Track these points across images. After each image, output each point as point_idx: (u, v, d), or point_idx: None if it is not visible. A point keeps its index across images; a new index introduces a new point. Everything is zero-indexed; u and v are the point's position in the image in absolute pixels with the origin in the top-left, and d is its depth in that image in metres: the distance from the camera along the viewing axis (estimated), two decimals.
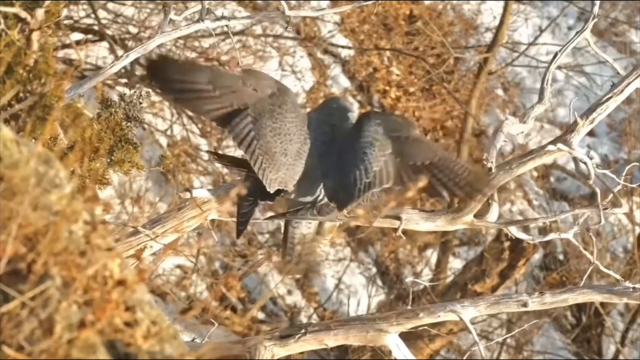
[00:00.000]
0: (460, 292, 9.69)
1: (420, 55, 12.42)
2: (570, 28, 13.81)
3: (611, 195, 4.23)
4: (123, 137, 3.96)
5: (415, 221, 4.30)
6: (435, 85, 12.85)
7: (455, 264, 11.65)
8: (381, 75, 12.89)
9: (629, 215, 11.52)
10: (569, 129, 4.23)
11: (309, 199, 4.06)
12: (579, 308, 11.18)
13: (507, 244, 9.41)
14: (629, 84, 4.25)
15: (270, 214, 4.27)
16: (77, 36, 10.87)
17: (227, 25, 4.39)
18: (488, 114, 13.13)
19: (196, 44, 11.17)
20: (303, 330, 4.19)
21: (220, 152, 10.50)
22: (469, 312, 4.22)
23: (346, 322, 4.25)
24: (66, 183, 2.14)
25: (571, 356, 11.41)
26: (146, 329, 2.06)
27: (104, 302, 2.01)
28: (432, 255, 11.96)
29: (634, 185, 4.48)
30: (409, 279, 11.36)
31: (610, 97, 4.25)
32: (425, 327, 4.32)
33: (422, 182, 3.83)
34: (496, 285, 9.58)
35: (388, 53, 12.85)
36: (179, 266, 10.76)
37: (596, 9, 4.33)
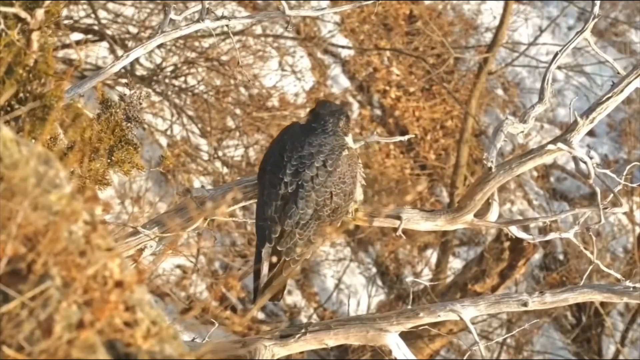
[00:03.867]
0: (460, 292, 9.68)
1: (420, 55, 12.42)
2: (570, 28, 13.81)
3: (611, 195, 4.22)
4: (123, 138, 3.95)
5: (416, 221, 4.29)
6: (435, 85, 12.86)
7: (455, 264, 11.64)
8: (381, 75, 12.89)
9: (629, 215, 11.53)
10: (569, 128, 4.22)
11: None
12: (579, 308, 11.18)
13: (507, 244, 9.40)
14: (628, 83, 4.24)
15: None
16: (77, 36, 10.87)
17: (227, 25, 4.39)
18: (488, 114, 13.12)
19: (196, 44, 11.17)
20: (303, 330, 4.19)
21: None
22: (469, 311, 4.22)
23: (346, 322, 4.24)
24: (66, 183, 2.14)
25: (571, 356, 11.40)
26: (146, 329, 2.06)
27: (103, 302, 2.01)
28: (432, 255, 11.96)
29: (634, 185, 4.48)
30: (409, 279, 11.36)
31: (610, 97, 4.25)
32: (426, 327, 4.32)
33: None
34: (496, 285, 9.57)
35: (388, 53, 12.85)
36: (179, 266, 10.76)
37: (596, 9, 4.32)
